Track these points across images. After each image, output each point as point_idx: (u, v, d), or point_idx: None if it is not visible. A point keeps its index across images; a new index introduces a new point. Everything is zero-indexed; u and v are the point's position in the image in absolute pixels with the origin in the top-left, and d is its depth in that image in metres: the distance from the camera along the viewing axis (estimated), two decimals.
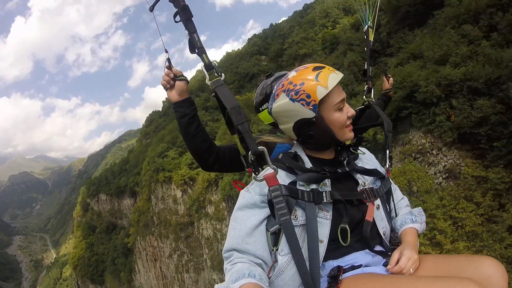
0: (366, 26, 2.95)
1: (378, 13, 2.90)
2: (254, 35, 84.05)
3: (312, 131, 1.66)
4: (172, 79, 1.99)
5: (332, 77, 1.61)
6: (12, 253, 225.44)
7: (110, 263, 70.76)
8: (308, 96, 1.59)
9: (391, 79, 3.12)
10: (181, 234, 47.25)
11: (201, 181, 42.33)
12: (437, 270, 1.49)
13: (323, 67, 1.65)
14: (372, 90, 2.80)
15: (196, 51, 1.81)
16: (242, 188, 1.73)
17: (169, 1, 1.85)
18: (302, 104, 1.61)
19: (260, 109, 2.47)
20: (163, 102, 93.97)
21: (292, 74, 1.70)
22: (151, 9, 1.99)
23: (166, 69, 2.02)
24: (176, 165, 50.08)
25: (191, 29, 1.81)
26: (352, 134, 1.73)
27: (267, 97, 2.37)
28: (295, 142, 1.85)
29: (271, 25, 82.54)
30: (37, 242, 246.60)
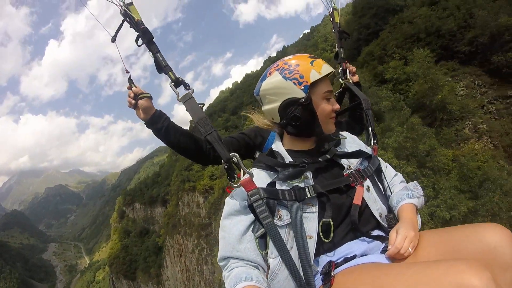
0: (331, 8, 2.92)
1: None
2: (268, 58, 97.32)
3: (298, 113, 1.64)
4: (134, 98, 1.97)
5: (326, 66, 1.65)
6: (47, 258, 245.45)
7: (142, 261, 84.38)
8: (301, 77, 1.61)
9: (350, 67, 2.85)
10: (202, 233, 59.63)
11: (217, 189, 54.88)
12: (437, 247, 1.41)
13: (318, 58, 1.69)
14: (347, 71, 2.74)
15: (162, 70, 1.89)
16: None
17: (130, 27, 1.94)
18: (294, 83, 1.61)
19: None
20: (190, 122, 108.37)
21: (288, 57, 1.73)
22: (113, 39, 2.03)
23: (128, 90, 2.01)
24: (199, 176, 63.36)
25: (154, 50, 1.89)
26: (334, 128, 1.76)
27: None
28: (276, 129, 1.86)
29: (284, 47, 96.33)
30: (71, 250, 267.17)
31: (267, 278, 1.47)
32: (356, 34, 34.30)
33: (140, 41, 1.92)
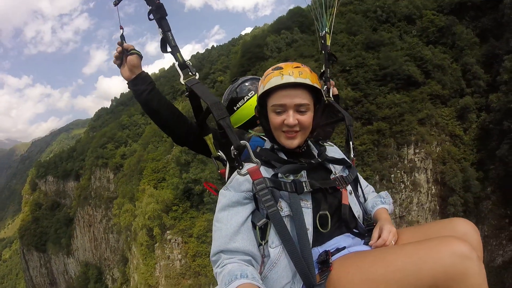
0: (324, 31, 3.22)
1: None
2: (193, 55, 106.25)
3: (260, 118, 1.94)
4: (122, 53, 2.01)
5: (275, 79, 1.77)
6: None
7: (53, 233, 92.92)
8: (259, 88, 1.89)
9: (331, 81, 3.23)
10: (109, 205, 70.99)
11: (126, 166, 66.51)
12: (416, 239, 1.65)
13: (280, 68, 1.81)
14: (331, 89, 3.06)
15: (170, 49, 1.92)
16: (214, 189, 1.90)
17: None
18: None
19: (235, 108, 2.67)
20: (112, 100, 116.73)
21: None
22: (116, 3, 2.03)
23: (117, 45, 2.03)
24: (112, 155, 74.61)
25: (166, 28, 1.91)
26: (287, 143, 1.86)
27: (234, 100, 2.65)
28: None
29: (207, 49, 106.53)
30: None
31: (262, 270, 1.61)
32: (235, 70, 46.64)
33: (152, 16, 1.91)
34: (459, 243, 1.37)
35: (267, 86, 1.78)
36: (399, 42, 43.56)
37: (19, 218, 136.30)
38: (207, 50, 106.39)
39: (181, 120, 2.14)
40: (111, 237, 72.33)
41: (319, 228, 1.72)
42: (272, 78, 1.78)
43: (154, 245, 43.76)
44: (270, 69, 1.87)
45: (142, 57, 2.04)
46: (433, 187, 38.49)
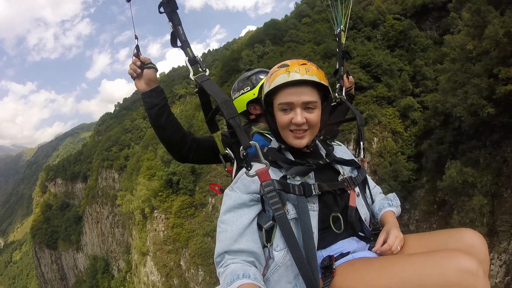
0: (338, 29, 3.32)
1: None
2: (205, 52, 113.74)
3: (266, 117, 1.93)
4: (140, 67, 2.02)
5: (281, 77, 1.74)
6: None
7: (63, 231, 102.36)
8: (265, 86, 1.87)
9: (350, 77, 3.35)
10: (115, 202, 78.49)
11: (129, 167, 75.15)
12: (422, 246, 1.68)
13: (287, 65, 1.78)
14: (344, 88, 3.17)
15: (180, 44, 1.94)
16: (219, 190, 1.90)
17: None
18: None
19: (233, 97, 2.75)
20: (115, 106, 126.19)
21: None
22: None
23: (133, 57, 2.05)
24: (117, 157, 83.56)
25: (176, 21, 1.93)
26: (296, 142, 1.83)
27: (236, 90, 2.76)
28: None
29: (203, 53, 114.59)
30: None
31: (266, 272, 1.62)
32: (216, 81, 55.78)
33: (162, 9, 1.94)
34: (465, 258, 1.37)
35: (273, 84, 1.77)
36: (360, 48, 48.51)
37: (28, 221, 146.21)
38: (203, 54, 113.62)
39: (184, 140, 2.22)
40: (116, 231, 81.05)
41: (334, 229, 1.75)
42: (278, 76, 1.76)
43: (146, 222, 55.71)
44: (276, 66, 1.84)
45: (157, 70, 2.10)
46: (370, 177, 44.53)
